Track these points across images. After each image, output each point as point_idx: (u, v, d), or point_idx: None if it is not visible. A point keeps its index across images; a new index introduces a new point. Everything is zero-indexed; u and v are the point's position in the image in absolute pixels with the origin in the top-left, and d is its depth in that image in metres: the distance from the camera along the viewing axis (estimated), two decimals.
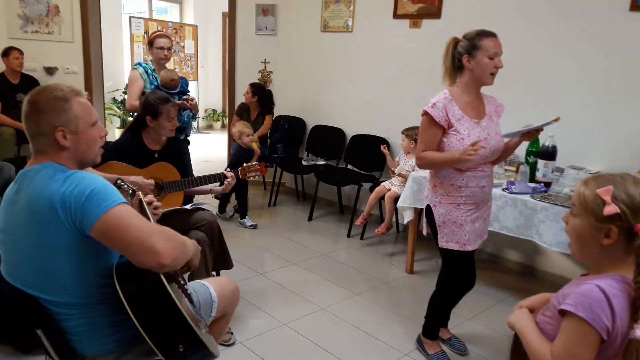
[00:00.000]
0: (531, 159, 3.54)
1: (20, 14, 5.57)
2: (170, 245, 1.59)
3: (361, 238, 4.73)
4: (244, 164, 3.29)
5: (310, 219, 5.21)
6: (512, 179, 3.51)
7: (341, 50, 5.34)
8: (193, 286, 2.02)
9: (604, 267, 1.42)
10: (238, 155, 4.82)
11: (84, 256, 1.62)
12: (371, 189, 4.61)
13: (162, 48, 4.24)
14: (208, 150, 8.42)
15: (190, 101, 4.19)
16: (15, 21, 5.57)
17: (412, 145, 4.19)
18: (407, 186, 3.80)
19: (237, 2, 5.85)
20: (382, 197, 4.44)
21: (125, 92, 7.80)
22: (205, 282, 2.11)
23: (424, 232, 3.13)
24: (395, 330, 3.19)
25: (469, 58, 2.51)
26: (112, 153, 3.02)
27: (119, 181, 2.49)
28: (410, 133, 4.26)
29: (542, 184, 3.39)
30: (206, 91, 10.39)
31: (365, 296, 3.63)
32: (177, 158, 3.26)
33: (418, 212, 3.85)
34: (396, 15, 4.79)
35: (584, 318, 1.32)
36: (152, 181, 2.98)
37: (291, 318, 3.25)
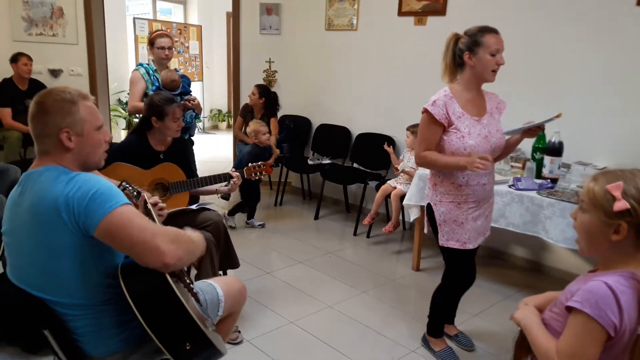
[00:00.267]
0: (537, 155, 3.52)
1: (24, 17, 5.60)
2: (174, 245, 1.59)
3: (367, 236, 4.73)
4: (249, 164, 3.29)
5: (316, 217, 5.21)
6: (519, 176, 3.50)
7: (346, 48, 5.33)
8: (199, 285, 2.03)
9: (612, 264, 1.41)
10: (253, 154, 4.63)
11: (88, 257, 1.62)
12: (377, 188, 4.61)
13: (163, 48, 4.21)
14: (214, 151, 8.44)
15: (192, 101, 4.16)
16: (19, 24, 5.59)
17: None
18: (413, 184, 3.79)
19: (241, 1, 5.85)
20: (388, 196, 4.44)
21: (129, 94, 7.81)
22: (211, 281, 2.11)
23: (425, 231, 3.12)
24: (402, 327, 3.19)
25: (470, 55, 2.48)
26: (118, 154, 3.03)
27: (124, 183, 2.50)
28: (415, 130, 4.22)
29: (549, 180, 3.38)
30: (211, 91, 10.40)
31: (372, 294, 3.62)
32: (182, 159, 3.26)
33: (424, 209, 3.84)
34: (401, 13, 4.78)
35: (590, 315, 1.31)
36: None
37: (298, 316, 3.25)
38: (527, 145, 3.66)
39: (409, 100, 4.79)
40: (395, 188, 4.38)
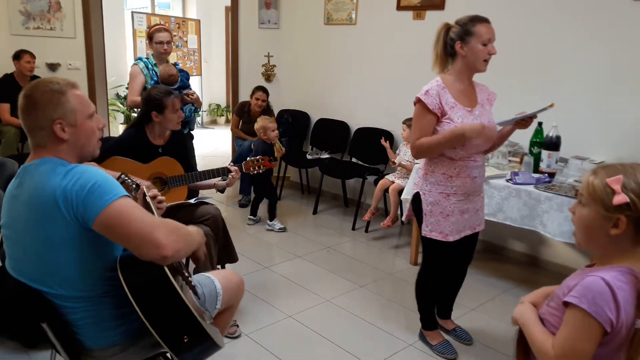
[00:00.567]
0: (535, 150, 3.53)
1: (21, 10, 5.57)
2: (173, 238, 1.59)
3: (366, 231, 4.74)
4: (248, 158, 3.29)
5: (315, 212, 5.21)
6: (516, 170, 3.50)
7: (345, 43, 5.32)
8: (198, 279, 2.03)
9: (610, 258, 1.41)
10: (261, 151, 4.50)
11: (86, 250, 1.62)
12: (375, 182, 4.61)
13: (161, 42, 4.19)
14: (212, 145, 8.43)
15: (191, 95, 4.15)
16: (16, 17, 5.56)
17: None
18: (411, 178, 3.79)
19: None
20: (387, 190, 4.44)
21: (128, 88, 7.80)
22: (210, 274, 2.12)
23: (403, 219, 3.10)
24: (400, 321, 3.20)
25: (461, 44, 2.48)
26: (116, 148, 3.02)
27: (122, 176, 2.50)
28: (411, 122, 4.23)
29: (546, 175, 3.38)
30: (210, 86, 10.38)
31: (370, 288, 3.63)
32: (181, 153, 3.25)
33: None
34: (400, 7, 4.77)
35: (587, 311, 1.32)
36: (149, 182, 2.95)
37: (296, 310, 3.26)
38: (524, 139, 3.67)
39: (408, 95, 4.73)
40: (392, 182, 4.39)
